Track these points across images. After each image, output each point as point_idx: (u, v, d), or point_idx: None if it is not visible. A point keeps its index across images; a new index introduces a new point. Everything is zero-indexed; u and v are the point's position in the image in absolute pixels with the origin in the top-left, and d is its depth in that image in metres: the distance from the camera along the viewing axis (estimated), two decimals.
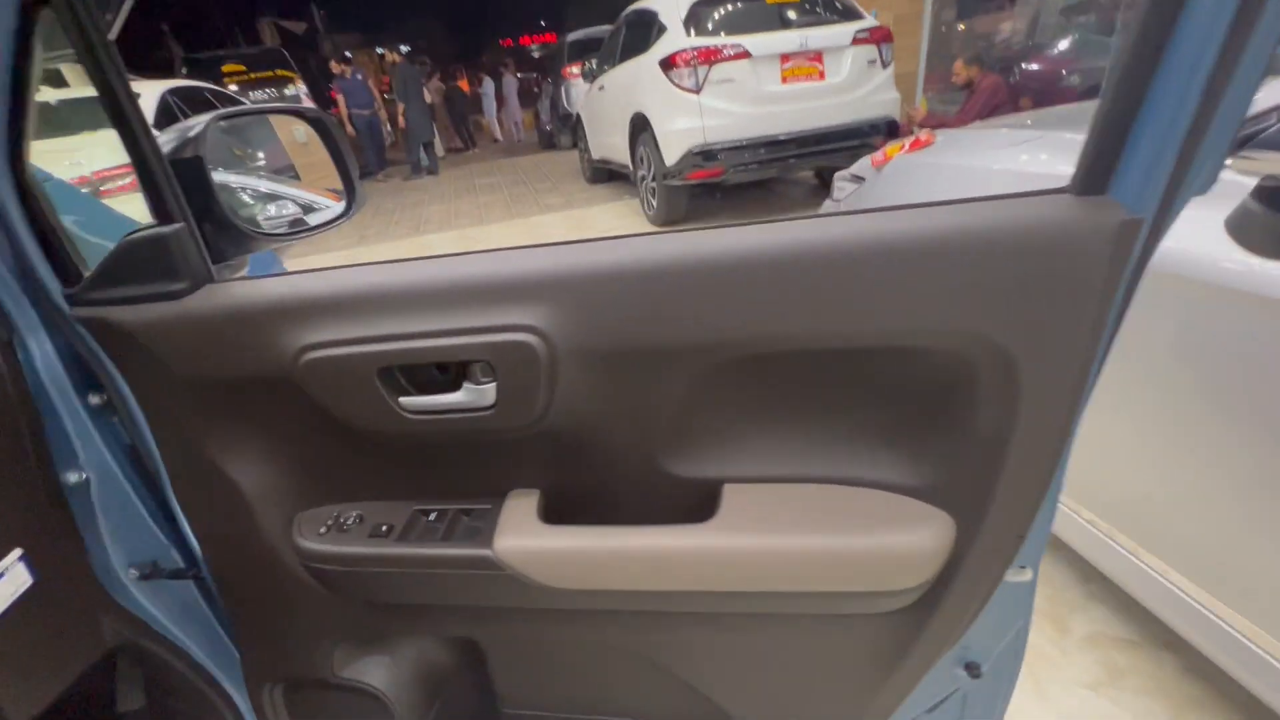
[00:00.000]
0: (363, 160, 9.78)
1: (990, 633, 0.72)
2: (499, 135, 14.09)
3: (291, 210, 1.16)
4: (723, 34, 4.21)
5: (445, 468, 0.75)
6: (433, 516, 0.75)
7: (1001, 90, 4.54)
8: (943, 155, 1.77)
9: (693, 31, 4.25)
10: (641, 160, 4.92)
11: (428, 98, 9.87)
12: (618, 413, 0.67)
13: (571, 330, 0.61)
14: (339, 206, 1.03)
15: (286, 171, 1.25)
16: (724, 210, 5.19)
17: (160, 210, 0.65)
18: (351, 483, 0.78)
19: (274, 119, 1.15)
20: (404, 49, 19.63)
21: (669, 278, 0.58)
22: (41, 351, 0.74)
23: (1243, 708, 1.21)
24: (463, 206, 6.96)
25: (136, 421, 0.75)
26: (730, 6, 4.35)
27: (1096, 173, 0.51)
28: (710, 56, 4.08)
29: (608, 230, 5.08)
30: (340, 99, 9.08)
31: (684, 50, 4.13)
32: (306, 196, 1.18)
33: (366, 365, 0.64)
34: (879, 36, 4.31)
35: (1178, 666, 1.31)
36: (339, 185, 0.99)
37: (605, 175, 6.74)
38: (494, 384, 0.64)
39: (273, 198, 1.15)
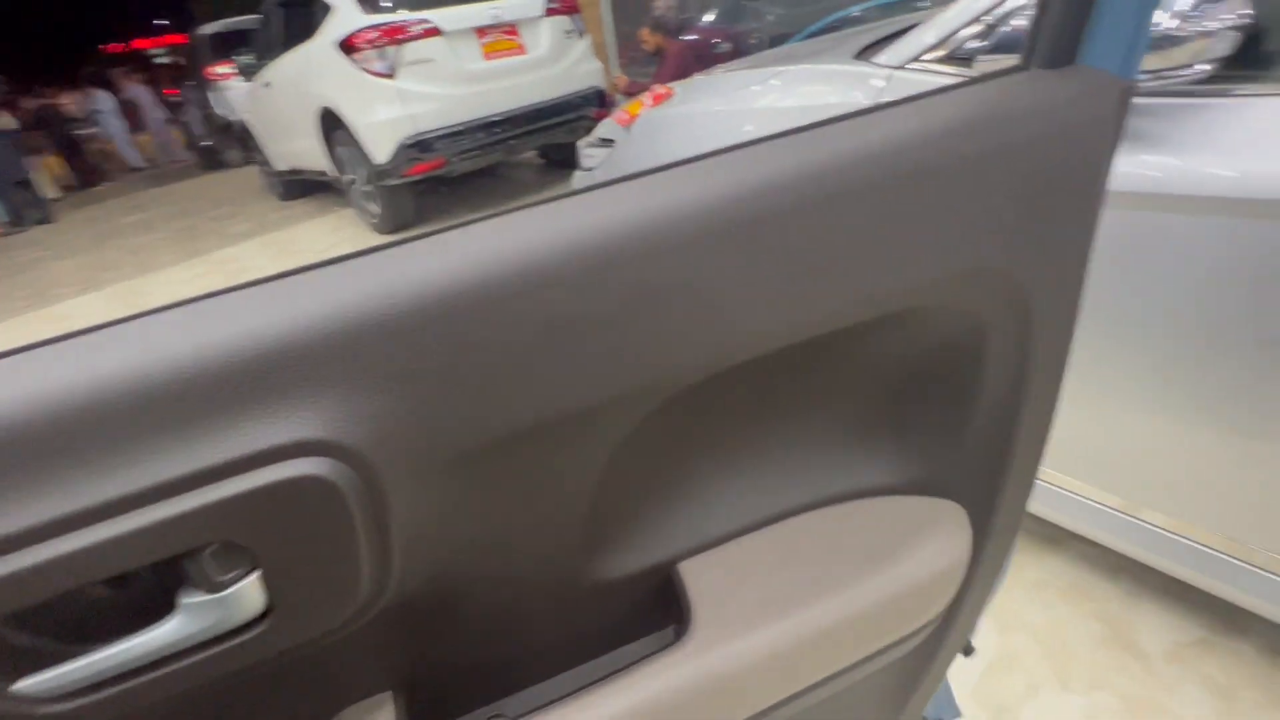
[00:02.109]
0: None
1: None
2: (138, 161, 11.23)
3: None
4: (404, 10, 3.75)
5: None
6: None
7: (689, 53, 4.86)
8: (693, 103, 1.72)
9: (367, 8, 3.71)
10: (344, 163, 4.23)
11: (9, 123, 7.33)
12: (505, 533, 0.39)
13: (400, 428, 0.31)
14: None
15: None
16: (457, 206, 4.76)
17: None
18: None
19: None
20: None
21: (549, 286, 0.32)
22: None
23: None
24: (109, 255, 5.34)
25: None
26: None
27: (1066, 39, 0.40)
28: (397, 34, 3.60)
29: (328, 251, 4.31)
30: None
31: (364, 29, 3.58)
32: None
33: None
34: (568, 6, 4.26)
35: (1260, 648, 1.25)
36: None
37: (301, 188, 5.72)
38: (256, 575, 0.32)
39: None
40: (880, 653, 0.49)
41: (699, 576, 0.47)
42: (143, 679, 0.31)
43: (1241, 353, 0.92)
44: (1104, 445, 1.16)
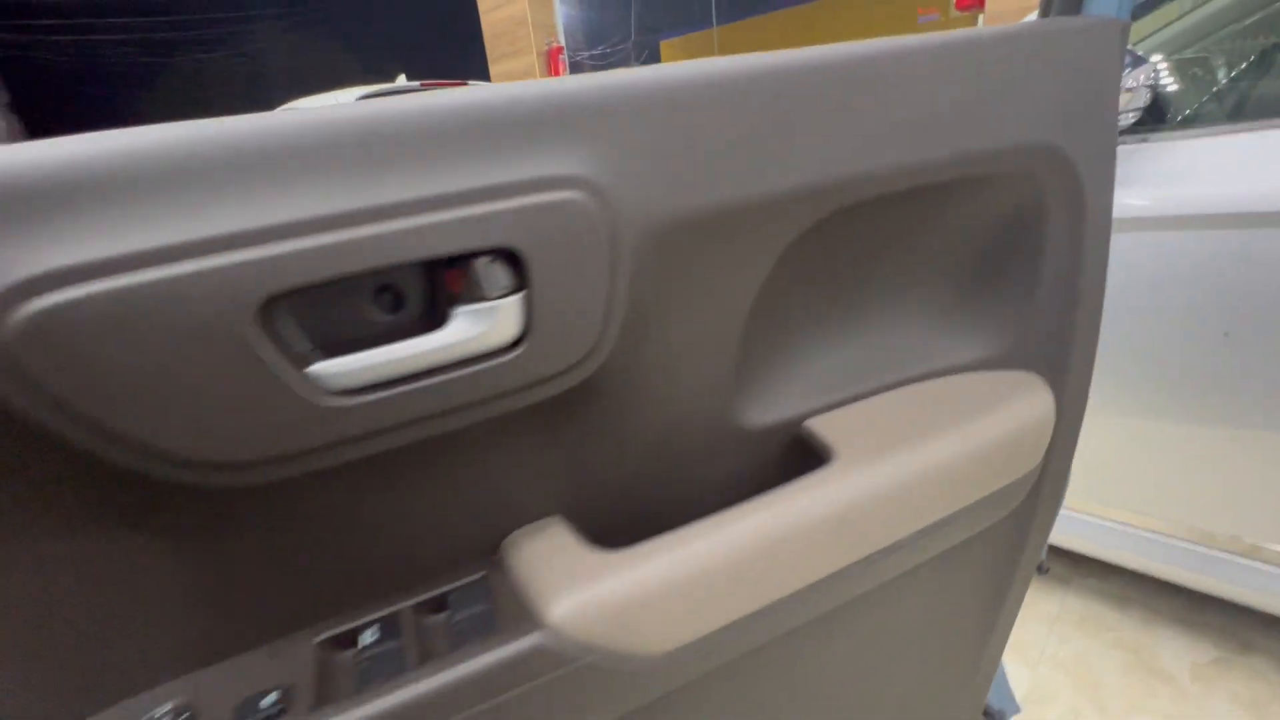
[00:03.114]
0: None
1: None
2: None
3: None
4: None
5: (375, 516, 0.39)
6: (371, 638, 0.37)
7: None
8: None
9: None
10: None
11: None
12: (688, 330, 0.43)
13: (637, 181, 0.37)
14: None
15: None
16: None
17: None
18: (124, 636, 0.35)
19: None
20: None
21: (762, 94, 0.40)
22: None
23: None
24: None
25: None
26: None
27: None
28: None
29: None
30: None
31: None
32: None
33: (233, 296, 0.29)
34: None
35: (1276, 662, 1.29)
36: None
37: None
38: (520, 297, 0.35)
39: None
40: (992, 499, 0.52)
41: (829, 427, 0.50)
42: (416, 385, 0.32)
43: (1183, 345, 1.06)
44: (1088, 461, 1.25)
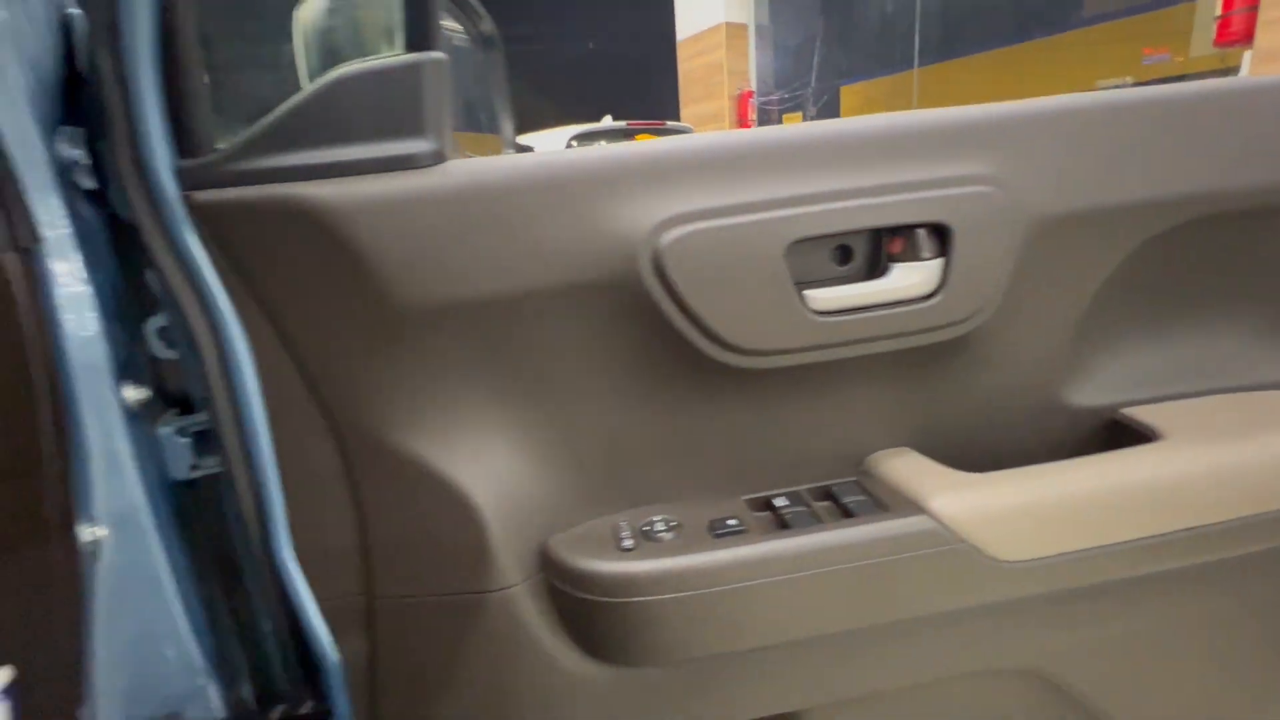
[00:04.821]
0: None
1: None
2: None
3: None
4: None
5: (786, 420, 0.53)
6: (783, 502, 0.51)
7: None
8: None
9: None
10: None
11: None
12: (1041, 308, 0.53)
13: (1033, 183, 0.48)
14: None
15: None
16: None
17: (418, 29, 0.42)
18: (632, 466, 0.52)
19: None
20: None
21: (1131, 121, 0.49)
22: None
23: None
24: None
25: (245, 401, 0.43)
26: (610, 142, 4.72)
27: None
28: None
29: None
30: None
31: None
32: None
33: (773, 237, 0.44)
34: None
35: None
36: None
37: None
38: (940, 261, 0.47)
39: None
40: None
41: (1151, 414, 0.56)
42: (865, 314, 0.46)
43: None
44: None
